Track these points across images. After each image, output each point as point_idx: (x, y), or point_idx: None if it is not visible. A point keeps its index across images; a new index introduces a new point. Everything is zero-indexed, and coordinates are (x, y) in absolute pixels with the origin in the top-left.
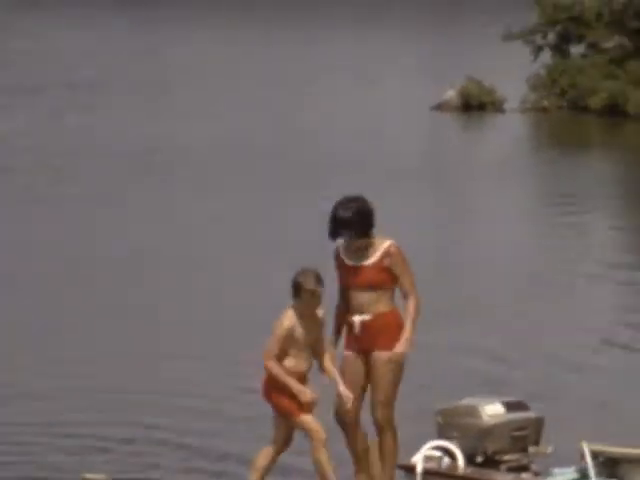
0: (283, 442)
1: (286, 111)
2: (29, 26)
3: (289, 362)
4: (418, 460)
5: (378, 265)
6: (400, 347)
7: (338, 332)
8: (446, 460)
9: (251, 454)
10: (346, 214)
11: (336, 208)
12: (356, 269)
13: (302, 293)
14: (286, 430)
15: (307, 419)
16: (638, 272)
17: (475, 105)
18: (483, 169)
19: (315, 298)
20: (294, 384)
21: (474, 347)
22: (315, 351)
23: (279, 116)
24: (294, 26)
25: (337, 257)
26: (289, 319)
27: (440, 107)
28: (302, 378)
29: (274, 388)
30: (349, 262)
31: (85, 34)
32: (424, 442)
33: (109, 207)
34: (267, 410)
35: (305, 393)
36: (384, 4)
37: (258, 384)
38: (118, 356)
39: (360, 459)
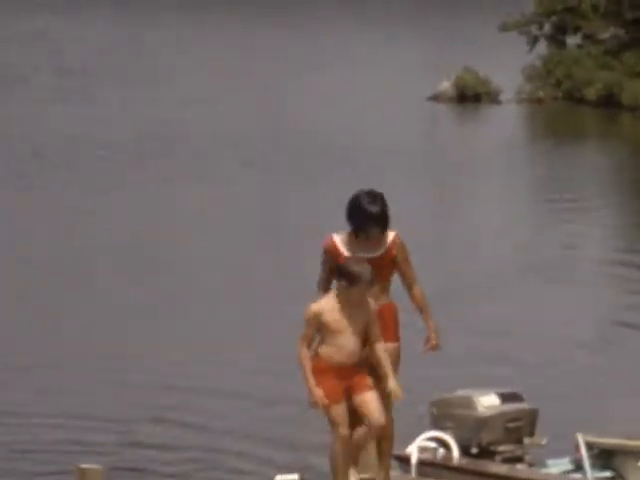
0: (356, 425)
1: (283, 100)
2: (16, 12)
3: (323, 350)
4: (413, 450)
5: (388, 256)
6: (437, 339)
7: None
8: (441, 451)
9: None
10: (378, 209)
11: (363, 204)
12: (367, 261)
13: (357, 282)
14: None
15: (335, 410)
16: (635, 257)
17: (470, 96)
18: (477, 159)
19: (368, 289)
20: (310, 380)
21: (468, 338)
22: (365, 340)
23: (277, 105)
24: (291, 18)
25: (335, 252)
26: (318, 304)
27: (436, 98)
28: (340, 369)
29: (316, 372)
30: (357, 255)
31: (73, 22)
32: (419, 433)
33: (103, 196)
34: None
35: (312, 395)
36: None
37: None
38: (123, 344)
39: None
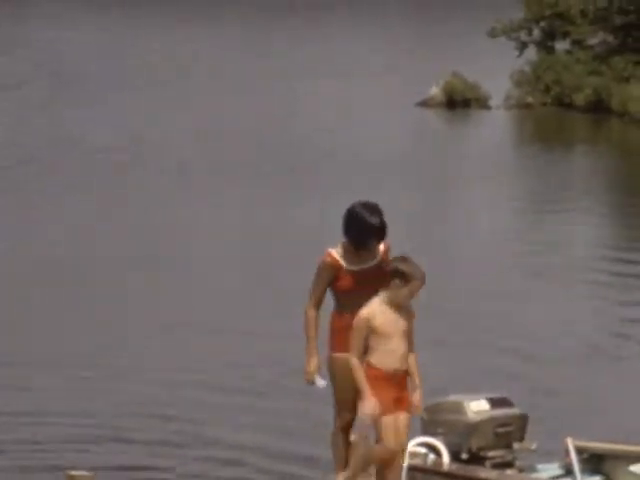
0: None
1: (273, 106)
2: (7, 19)
3: (375, 357)
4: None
5: (382, 265)
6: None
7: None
8: (431, 456)
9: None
10: (378, 221)
11: (364, 217)
12: (366, 272)
13: (412, 280)
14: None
15: (385, 420)
16: (625, 265)
17: (460, 101)
18: (466, 165)
19: (420, 287)
20: (366, 391)
21: (456, 344)
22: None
23: (264, 110)
24: (279, 23)
25: (336, 265)
26: (368, 309)
27: (425, 103)
28: (391, 378)
29: (368, 381)
30: (355, 267)
31: (65, 29)
32: (409, 439)
33: (94, 201)
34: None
35: (367, 406)
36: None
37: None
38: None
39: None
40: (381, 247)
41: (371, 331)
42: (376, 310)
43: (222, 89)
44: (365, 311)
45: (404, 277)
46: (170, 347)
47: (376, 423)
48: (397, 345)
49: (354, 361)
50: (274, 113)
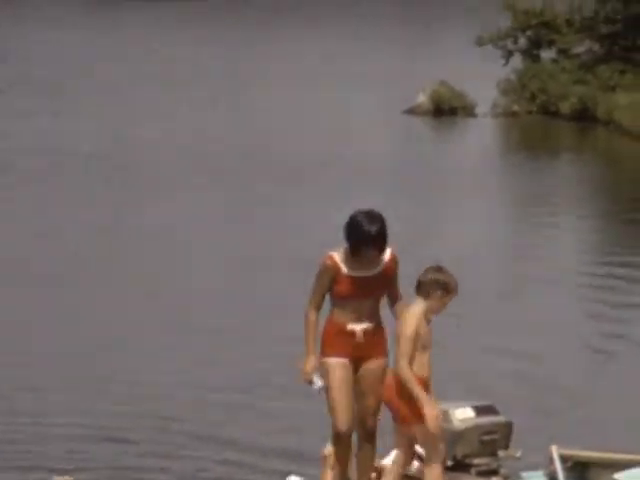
0: (408, 451)
1: (254, 112)
2: (6, 21)
3: (412, 366)
4: (388, 463)
5: (385, 274)
6: None
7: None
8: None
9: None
10: (377, 230)
11: (361, 224)
12: (367, 279)
13: (452, 290)
14: (409, 438)
15: (431, 425)
16: (617, 269)
17: (446, 109)
18: (452, 173)
19: (454, 297)
20: (422, 395)
21: (456, 344)
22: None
23: (248, 117)
24: (266, 28)
25: (335, 269)
26: (415, 317)
27: (412, 111)
28: (424, 384)
29: (400, 393)
30: (355, 273)
31: (51, 34)
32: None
33: (75, 210)
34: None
35: (431, 408)
36: (364, 5)
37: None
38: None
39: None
40: (386, 256)
41: (415, 340)
42: (420, 320)
43: (221, 90)
44: (413, 320)
45: (445, 288)
46: (170, 347)
47: (437, 428)
48: (428, 357)
49: (405, 366)
50: (259, 122)
